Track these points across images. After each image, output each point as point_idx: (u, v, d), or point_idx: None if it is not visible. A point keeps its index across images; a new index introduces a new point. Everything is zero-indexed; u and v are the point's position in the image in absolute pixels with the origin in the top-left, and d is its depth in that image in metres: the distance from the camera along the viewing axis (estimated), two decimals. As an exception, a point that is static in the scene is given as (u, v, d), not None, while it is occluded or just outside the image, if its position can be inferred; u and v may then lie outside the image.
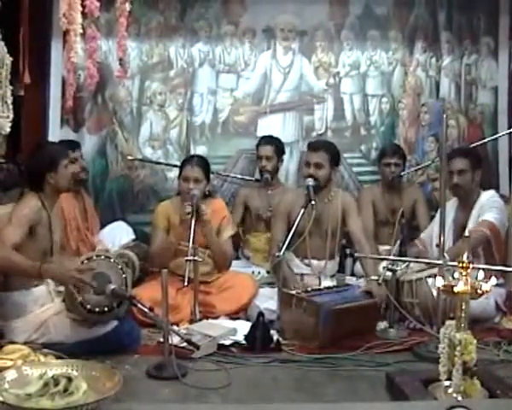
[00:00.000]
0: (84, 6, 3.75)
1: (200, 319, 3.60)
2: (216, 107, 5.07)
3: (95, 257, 3.22)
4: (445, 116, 3.49)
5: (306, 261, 4.12)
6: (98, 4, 3.83)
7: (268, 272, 4.26)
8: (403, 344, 3.35)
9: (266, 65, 5.11)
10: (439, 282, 2.50)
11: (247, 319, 3.67)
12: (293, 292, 3.58)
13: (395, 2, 5.13)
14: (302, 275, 4.08)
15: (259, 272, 4.31)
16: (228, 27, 5.05)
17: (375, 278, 3.59)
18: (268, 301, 3.76)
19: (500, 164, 5.18)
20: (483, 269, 2.64)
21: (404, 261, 3.61)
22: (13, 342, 3.06)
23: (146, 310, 3.09)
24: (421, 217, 4.63)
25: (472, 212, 3.93)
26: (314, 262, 4.11)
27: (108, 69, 4.84)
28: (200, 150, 4.89)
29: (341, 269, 4.35)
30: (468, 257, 2.40)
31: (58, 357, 2.87)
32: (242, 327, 3.46)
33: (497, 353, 3.23)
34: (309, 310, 3.42)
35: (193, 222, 3.63)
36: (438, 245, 3.38)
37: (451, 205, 3.99)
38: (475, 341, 2.39)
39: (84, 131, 4.90)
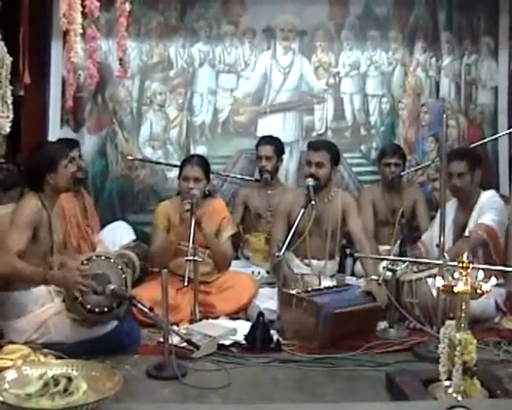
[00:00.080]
0: (84, 6, 3.75)
1: (200, 319, 3.60)
2: (216, 107, 5.07)
3: (95, 257, 3.22)
4: (444, 116, 3.49)
5: (306, 261, 4.12)
6: (98, 4, 3.83)
7: (268, 272, 4.26)
8: (403, 344, 3.35)
9: (266, 65, 5.11)
10: (439, 282, 2.50)
11: (247, 319, 3.67)
12: (293, 292, 3.58)
13: (395, 2, 5.13)
14: (302, 275, 4.08)
15: (259, 272, 4.31)
16: (228, 27, 5.05)
17: (375, 278, 3.59)
18: (268, 301, 3.76)
19: (500, 164, 5.18)
20: (483, 269, 2.64)
21: (404, 261, 3.61)
22: (13, 342, 3.06)
23: (146, 310, 3.09)
24: (421, 217, 4.63)
25: (472, 212, 3.93)
26: (314, 262, 4.11)
27: (108, 69, 4.84)
28: (200, 150, 4.89)
29: (341, 269, 4.35)
30: (467, 257, 2.40)
31: (58, 357, 2.87)
32: (242, 327, 3.46)
33: (497, 353, 3.23)
34: (309, 310, 3.42)
35: (193, 222, 3.63)
36: (438, 245, 3.38)
37: (451, 205, 3.99)
38: (475, 341, 2.39)
39: (84, 131, 4.91)
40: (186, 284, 3.45)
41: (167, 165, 4.94)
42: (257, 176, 4.82)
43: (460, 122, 5.22)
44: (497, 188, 4.68)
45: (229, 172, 5.02)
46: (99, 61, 4.49)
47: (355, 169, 5.15)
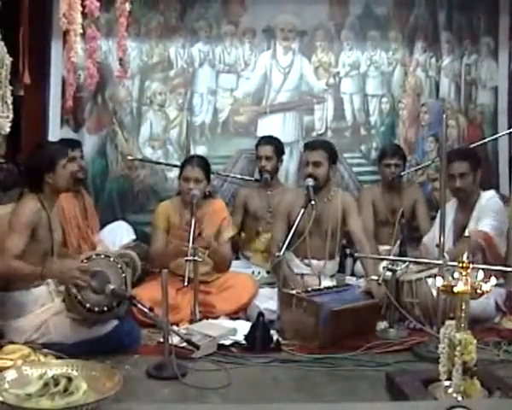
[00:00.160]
0: (84, 6, 3.75)
1: (200, 319, 3.60)
2: (216, 107, 5.07)
3: (94, 256, 3.22)
4: (444, 116, 3.49)
5: (306, 261, 4.12)
6: (98, 4, 3.83)
7: (268, 273, 4.26)
8: (403, 344, 3.35)
9: (266, 65, 5.11)
10: (439, 282, 2.50)
11: (247, 319, 3.67)
12: (293, 292, 3.58)
13: (395, 2, 5.13)
14: (302, 275, 4.08)
15: (259, 273, 4.31)
16: (228, 27, 5.05)
17: (375, 278, 3.59)
18: (268, 301, 3.76)
19: (500, 164, 5.18)
20: (483, 269, 2.64)
21: (404, 261, 3.61)
22: (13, 342, 3.06)
23: (146, 310, 3.09)
24: (421, 217, 4.63)
25: (472, 213, 3.93)
26: (314, 262, 4.11)
27: (108, 69, 4.84)
28: (200, 150, 4.90)
29: (341, 269, 4.35)
30: (467, 257, 2.40)
31: (58, 357, 2.87)
32: (242, 327, 3.46)
33: (497, 353, 3.23)
34: (309, 310, 3.42)
35: (193, 222, 3.63)
36: (438, 245, 3.38)
37: (451, 206, 3.99)
38: (475, 341, 2.39)
39: (84, 131, 4.90)
40: (186, 283, 3.45)
41: (167, 165, 4.94)
42: (257, 176, 4.82)
43: (460, 122, 5.22)
44: (497, 188, 4.69)
45: (229, 172, 5.02)
46: (99, 61, 4.49)
47: (355, 169, 5.15)
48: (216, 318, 3.69)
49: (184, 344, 3.10)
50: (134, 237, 4.52)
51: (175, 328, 3.29)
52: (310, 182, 3.96)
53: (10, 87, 3.36)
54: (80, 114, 4.89)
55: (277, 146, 4.68)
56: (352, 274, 4.40)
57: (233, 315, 3.75)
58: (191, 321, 3.59)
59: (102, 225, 4.48)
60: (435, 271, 3.40)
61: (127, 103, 4.99)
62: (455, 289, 2.37)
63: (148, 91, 5.01)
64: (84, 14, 3.82)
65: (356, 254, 4.03)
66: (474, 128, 5.22)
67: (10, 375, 2.04)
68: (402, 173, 4.69)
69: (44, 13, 4.62)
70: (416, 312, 3.56)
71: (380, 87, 5.19)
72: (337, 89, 5.15)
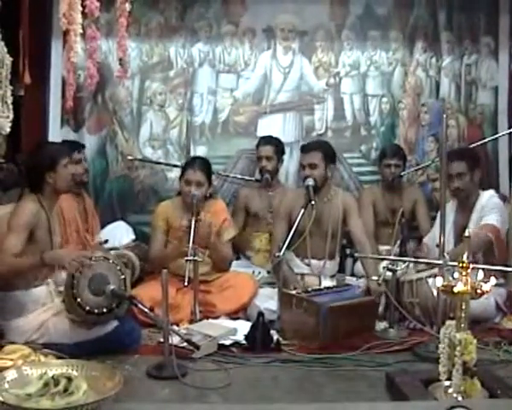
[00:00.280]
0: (84, 6, 3.74)
1: (201, 319, 3.60)
2: (216, 107, 5.07)
3: (93, 258, 3.22)
4: (444, 116, 3.49)
5: (306, 261, 4.13)
6: (98, 4, 3.82)
7: (268, 272, 4.26)
8: (403, 344, 3.35)
9: (266, 65, 5.10)
10: (439, 282, 2.50)
11: (247, 319, 3.67)
12: (293, 292, 3.59)
13: (395, 2, 5.13)
14: (302, 275, 4.08)
15: (260, 272, 4.31)
16: (228, 27, 5.05)
17: (376, 278, 3.60)
18: (268, 301, 3.76)
19: (500, 164, 5.18)
20: (483, 269, 2.64)
21: (404, 261, 3.61)
22: (13, 342, 3.06)
23: (146, 310, 3.09)
24: (421, 217, 4.63)
25: (472, 213, 3.93)
26: (314, 262, 4.11)
27: (108, 69, 4.84)
28: (200, 150, 4.90)
29: (342, 269, 4.35)
30: (467, 257, 2.40)
31: (58, 357, 2.87)
32: (242, 327, 3.46)
33: (498, 353, 3.23)
34: (309, 310, 3.43)
35: (193, 222, 3.63)
36: (438, 245, 3.38)
37: (451, 207, 3.99)
38: (475, 341, 2.39)
39: (84, 131, 4.90)
40: (186, 283, 3.45)
41: (167, 165, 4.94)
42: (257, 176, 4.82)
43: (460, 122, 5.22)
44: (497, 188, 4.68)
45: (230, 172, 5.02)
46: (99, 62, 4.47)
47: (355, 169, 5.15)
48: (216, 317, 3.69)
49: (184, 344, 3.10)
50: (134, 237, 4.52)
51: (175, 328, 3.29)
52: (310, 182, 3.96)
53: (10, 87, 3.36)
54: (80, 114, 4.89)
55: (278, 146, 4.68)
56: (352, 274, 4.40)
57: (233, 315, 3.75)
58: (191, 321, 3.59)
59: (102, 226, 4.49)
60: (435, 271, 3.40)
61: (127, 103, 4.99)
62: (455, 289, 2.37)
63: (148, 91, 5.01)
64: (84, 14, 3.81)
65: (356, 255, 4.03)
66: (474, 128, 5.21)
67: (10, 375, 2.04)
68: (402, 173, 4.69)
69: (44, 13, 4.62)
70: (417, 312, 3.57)
71: (380, 87, 5.19)
72: (337, 89, 5.15)
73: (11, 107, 3.34)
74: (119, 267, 3.22)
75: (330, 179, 4.16)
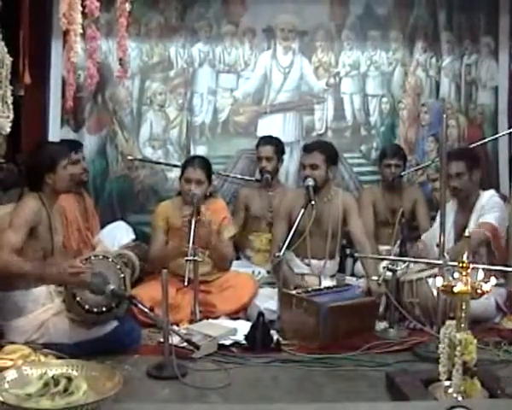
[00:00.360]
0: (84, 6, 3.74)
1: (201, 319, 3.60)
2: (216, 107, 5.07)
3: (93, 257, 3.23)
4: (444, 116, 3.49)
5: (306, 261, 4.13)
6: (98, 4, 3.82)
7: (268, 272, 4.26)
8: (403, 344, 3.36)
9: (266, 65, 5.10)
10: (439, 282, 2.50)
11: (248, 319, 3.67)
12: (293, 292, 3.59)
13: (395, 2, 5.13)
14: (302, 275, 4.08)
15: (260, 272, 4.31)
16: (228, 27, 5.05)
17: (376, 278, 3.60)
18: (268, 301, 3.76)
19: (500, 164, 5.18)
20: (483, 269, 2.64)
21: (404, 261, 3.61)
22: (13, 342, 3.06)
23: (146, 310, 3.09)
24: (421, 217, 4.63)
25: (472, 213, 3.93)
26: (314, 262, 4.11)
27: (108, 69, 4.84)
28: (200, 150, 4.89)
29: (342, 269, 4.35)
30: (468, 257, 2.40)
31: (58, 357, 2.87)
32: (242, 327, 3.46)
33: (498, 353, 3.23)
34: (309, 310, 3.43)
35: (193, 222, 3.63)
36: (438, 245, 3.38)
37: (451, 207, 3.99)
38: (475, 341, 2.39)
39: (84, 131, 4.90)
40: (186, 284, 3.45)
41: (167, 165, 4.94)
42: (257, 176, 4.82)
43: (460, 122, 5.21)
44: (497, 188, 4.68)
45: (230, 172, 5.02)
46: (99, 62, 4.47)
47: (355, 169, 5.14)
48: (216, 318, 3.69)
49: (184, 344, 3.10)
50: (133, 237, 4.51)
51: (175, 328, 3.29)
52: (310, 182, 3.96)
53: (10, 87, 3.36)
54: (80, 114, 4.89)
55: (278, 146, 4.67)
56: (353, 274, 4.40)
57: (233, 315, 3.75)
58: (191, 321, 3.59)
59: (102, 226, 4.48)
60: (436, 271, 3.40)
61: (127, 103, 4.98)
62: (455, 289, 2.37)
63: (149, 91, 5.01)
64: (84, 14, 3.81)
65: (356, 255, 4.03)
66: (474, 128, 5.21)
67: (10, 375, 2.04)
68: (402, 173, 4.69)
69: (44, 13, 4.62)
70: (417, 312, 3.57)
71: (380, 87, 5.19)
72: (337, 89, 5.15)
73: (11, 107, 3.34)
74: (118, 266, 3.22)
75: (331, 180, 4.16)
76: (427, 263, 3.60)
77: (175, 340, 3.05)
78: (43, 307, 3.20)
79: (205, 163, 4.00)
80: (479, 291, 2.39)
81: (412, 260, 3.65)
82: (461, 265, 2.38)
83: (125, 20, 4.00)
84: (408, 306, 3.58)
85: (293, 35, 5.09)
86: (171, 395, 2.74)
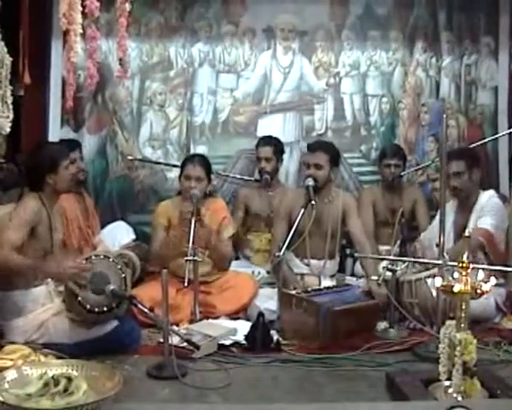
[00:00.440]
0: (84, 6, 3.74)
1: (201, 320, 3.60)
2: (216, 107, 5.07)
3: (93, 257, 3.22)
4: (444, 116, 3.49)
5: (306, 261, 4.13)
6: (98, 4, 3.82)
7: (268, 273, 4.26)
8: (403, 344, 3.35)
9: (266, 65, 5.10)
10: (439, 282, 2.50)
11: (248, 319, 3.67)
12: (293, 292, 3.58)
13: (395, 2, 5.13)
14: (302, 275, 4.08)
15: (259, 273, 4.31)
16: (228, 27, 5.05)
17: (376, 278, 3.60)
18: (268, 301, 3.76)
19: (500, 164, 5.18)
20: (483, 269, 2.64)
21: (404, 261, 3.61)
22: (13, 342, 3.06)
23: (146, 310, 3.09)
24: (421, 217, 4.63)
25: (472, 213, 3.93)
26: (314, 262, 4.11)
27: (108, 69, 4.84)
28: (200, 150, 4.89)
29: (342, 269, 4.36)
30: (467, 257, 2.40)
31: (58, 357, 2.87)
32: (242, 327, 3.46)
33: (498, 353, 3.23)
34: (309, 310, 3.43)
35: (193, 222, 3.63)
36: (438, 245, 3.38)
37: (451, 207, 3.99)
38: (475, 341, 2.39)
39: (84, 131, 4.91)
40: (186, 284, 3.45)
41: (167, 165, 4.94)
42: (257, 176, 4.81)
43: (460, 122, 5.22)
44: (497, 188, 4.68)
45: (230, 172, 5.02)
46: (99, 62, 4.47)
47: (355, 169, 5.14)
48: (216, 318, 3.69)
49: (184, 344, 3.10)
50: (134, 237, 4.52)
51: (175, 328, 3.29)
52: (310, 182, 3.96)
53: (10, 87, 3.36)
54: (80, 114, 4.89)
55: (277, 146, 4.66)
56: (352, 274, 4.40)
57: (233, 315, 3.75)
58: (191, 321, 3.59)
59: (103, 225, 4.48)
60: (435, 271, 3.40)
61: (127, 103, 4.99)
62: (455, 290, 2.37)
63: (149, 91, 5.02)
64: (84, 14, 3.81)
65: (356, 255, 4.03)
66: (474, 128, 5.21)
67: (10, 375, 2.04)
68: (402, 173, 4.69)
69: (44, 13, 4.62)
70: (416, 312, 3.56)
71: (380, 87, 5.19)
72: (337, 89, 5.15)
73: (11, 107, 3.34)
74: (119, 266, 3.22)
75: (333, 181, 4.16)
76: (427, 263, 3.60)
77: (175, 340, 3.06)
78: (42, 307, 3.20)
79: (204, 161, 4.00)
80: (478, 291, 2.39)
81: (412, 260, 3.65)
82: (460, 265, 2.38)
83: (125, 20, 4.00)
84: (408, 306, 3.58)
85: (293, 35, 5.09)
86: (171, 395, 2.74)
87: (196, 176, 3.88)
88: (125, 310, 3.25)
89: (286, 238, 3.68)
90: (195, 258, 3.56)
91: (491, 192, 4.04)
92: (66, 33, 3.85)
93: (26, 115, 4.45)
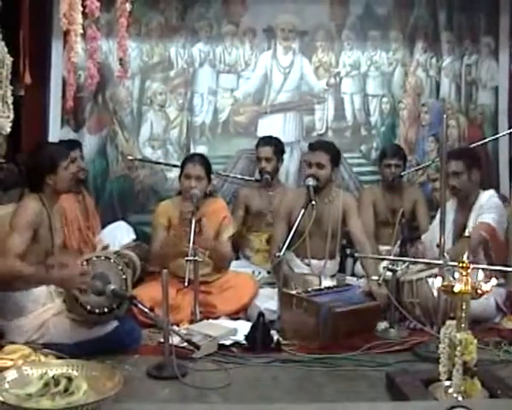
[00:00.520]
0: (84, 6, 3.75)
1: (201, 320, 3.60)
2: (216, 107, 5.07)
3: (94, 258, 3.22)
4: (445, 116, 3.50)
5: (306, 261, 4.13)
6: (98, 4, 3.82)
7: (268, 273, 4.26)
8: (403, 344, 3.35)
9: (267, 65, 5.11)
10: (439, 282, 2.50)
11: (248, 319, 3.67)
12: (294, 292, 3.58)
13: (396, 2, 5.13)
14: (302, 275, 4.07)
15: (260, 273, 4.31)
16: (228, 27, 5.05)
17: (376, 278, 3.60)
18: (268, 301, 3.76)
19: (500, 164, 5.18)
20: (483, 269, 2.64)
21: (405, 261, 3.61)
22: (13, 343, 3.06)
23: (146, 310, 3.09)
24: (421, 217, 4.63)
25: (471, 212, 3.93)
26: (314, 262, 4.11)
27: (109, 69, 4.84)
28: (200, 150, 4.88)
29: (342, 269, 4.36)
30: (468, 257, 2.40)
31: (59, 357, 2.87)
32: (243, 327, 3.46)
33: (498, 353, 3.23)
34: (309, 310, 3.43)
35: (193, 222, 3.63)
36: (438, 245, 3.38)
37: (450, 206, 3.98)
38: (476, 341, 2.39)
39: (84, 131, 4.91)
40: (186, 284, 3.45)
41: (167, 165, 4.95)
42: (257, 176, 4.82)
43: (460, 122, 5.22)
44: (497, 188, 4.68)
45: (230, 172, 5.02)
46: (99, 62, 4.48)
47: (355, 169, 5.15)
48: (216, 318, 3.69)
49: (185, 344, 3.10)
50: (134, 237, 4.52)
51: (175, 328, 3.29)
52: (310, 181, 3.96)
53: (11, 87, 3.36)
54: (81, 114, 4.89)
55: (277, 146, 4.66)
56: (353, 274, 4.40)
57: (233, 315, 3.75)
58: (191, 321, 3.59)
59: (103, 225, 4.49)
60: (436, 271, 3.40)
61: (127, 103, 4.99)
62: (455, 289, 2.37)
63: (149, 91, 5.02)
64: (84, 15, 3.82)
65: (356, 255, 4.03)
66: (475, 128, 5.22)
67: (11, 375, 2.04)
68: (402, 173, 4.69)
69: (45, 13, 4.62)
70: (417, 312, 3.56)
71: (380, 87, 5.19)
72: (337, 89, 5.15)
73: (11, 107, 3.34)
74: (120, 267, 3.22)
75: (333, 181, 4.16)
76: (428, 263, 3.60)
77: (175, 340, 3.05)
78: (43, 307, 3.20)
79: (204, 160, 4.01)
80: (479, 291, 2.39)
81: (412, 260, 3.65)
82: (461, 265, 2.38)
83: (125, 21, 4.00)
84: (408, 306, 3.58)
85: (293, 35, 5.09)
86: (171, 395, 2.74)
87: (196, 175, 3.88)
88: (126, 310, 3.25)
89: (286, 238, 3.68)
90: (196, 258, 3.56)
91: (492, 192, 4.04)
92: (66, 33, 3.86)
93: (26, 115, 4.45)
